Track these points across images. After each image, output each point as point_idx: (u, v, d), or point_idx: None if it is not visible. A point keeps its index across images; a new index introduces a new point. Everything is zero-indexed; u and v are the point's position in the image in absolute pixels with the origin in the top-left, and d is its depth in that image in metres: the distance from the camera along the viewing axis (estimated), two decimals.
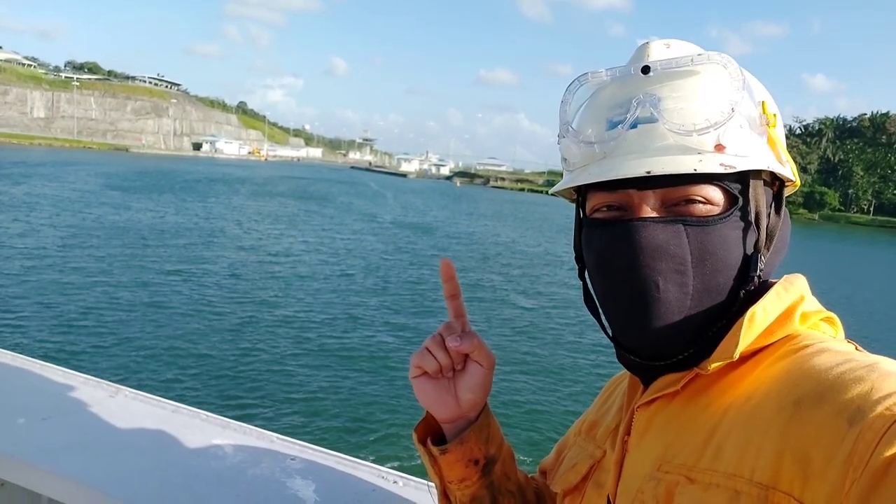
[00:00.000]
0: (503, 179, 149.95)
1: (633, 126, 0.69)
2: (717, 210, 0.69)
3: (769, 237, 0.73)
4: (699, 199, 0.68)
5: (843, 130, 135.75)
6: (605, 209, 0.74)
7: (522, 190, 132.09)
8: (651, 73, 0.69)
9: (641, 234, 0.68)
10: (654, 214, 0.69)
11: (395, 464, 6.74)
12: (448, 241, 28.82)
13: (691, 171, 0.66)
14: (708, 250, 0.68)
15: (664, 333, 0.69)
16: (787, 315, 0.69)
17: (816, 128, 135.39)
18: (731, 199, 0.69)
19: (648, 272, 0.68)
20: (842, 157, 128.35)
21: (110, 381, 1.81)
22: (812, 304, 0.72)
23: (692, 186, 0.68)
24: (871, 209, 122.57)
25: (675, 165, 0.66)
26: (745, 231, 0.70)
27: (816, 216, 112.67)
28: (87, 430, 1.53)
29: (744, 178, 0.70)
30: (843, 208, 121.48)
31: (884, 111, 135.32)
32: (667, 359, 0.71)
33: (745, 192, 0.70)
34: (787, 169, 0.74)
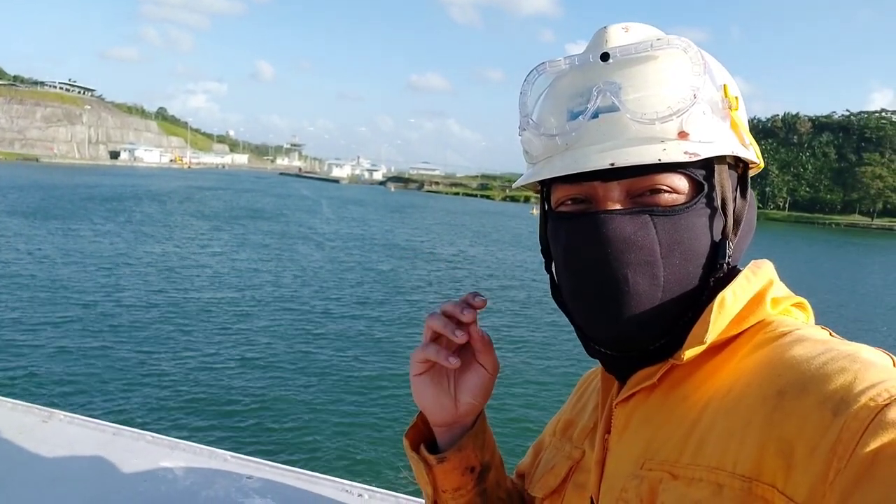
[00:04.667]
0: (437, 184, 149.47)
1: (595, 116, 0.67)
2: (682, 199, 0.67)
3: (736, 222, 0.72)
4: (664, 188, 0.67)
5: (759, 131, 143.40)
6: (570, 202, 0.72)
7: (458, 194, 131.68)
8: (610, 60, 0.67)
9: (608, 227, 0.66)
10: (619, 206, 0.68)
11: (358, 476, 6.56)
12: (402, 253, 28.21)
13: (656, 161, 0.64)
14: (676, 240, 0.67)
15: (635, 325, 0.68)
16: (757, 300, 0.68)
17: None
18: (696, 187, 0.68)
19: (617, 265, 0.67)
20: None
21: (42, 405, 1.70)
22: (781, 289, 0.72)
23: (657, 175, 0.67)
24: (787, 206, 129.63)
25: (639, 156, 0.64)
26: (712, 217, 0.69)
27: None
28: (18, 460, 1.43)
29: (708, 163, 0.69)
30: (761, 205, 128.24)
31: (794, 112, 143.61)
32: (637, 350, 0.70)
33: (710, 178, 0.69)
34: (751, 151, 0.73)
